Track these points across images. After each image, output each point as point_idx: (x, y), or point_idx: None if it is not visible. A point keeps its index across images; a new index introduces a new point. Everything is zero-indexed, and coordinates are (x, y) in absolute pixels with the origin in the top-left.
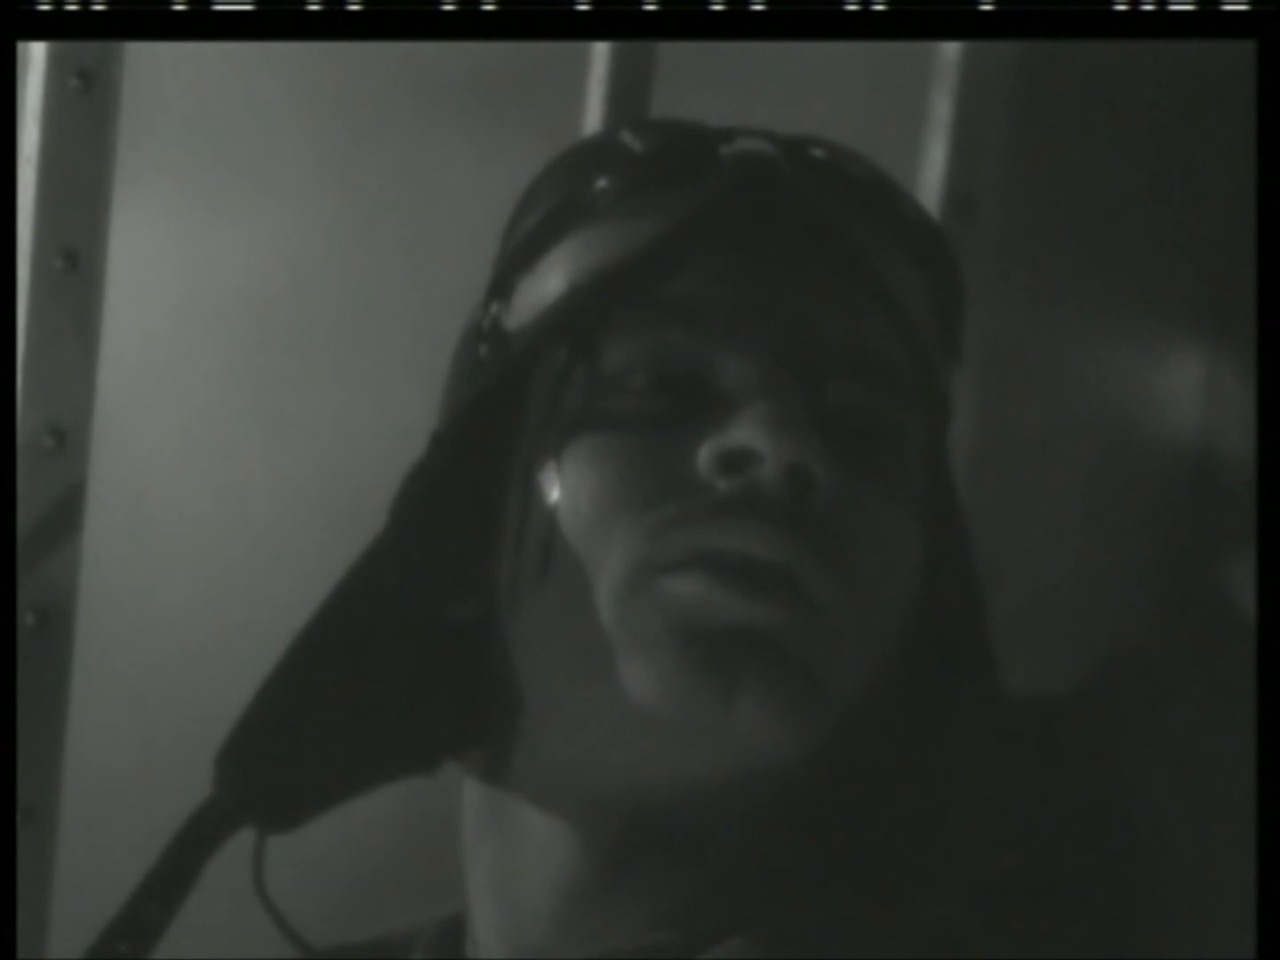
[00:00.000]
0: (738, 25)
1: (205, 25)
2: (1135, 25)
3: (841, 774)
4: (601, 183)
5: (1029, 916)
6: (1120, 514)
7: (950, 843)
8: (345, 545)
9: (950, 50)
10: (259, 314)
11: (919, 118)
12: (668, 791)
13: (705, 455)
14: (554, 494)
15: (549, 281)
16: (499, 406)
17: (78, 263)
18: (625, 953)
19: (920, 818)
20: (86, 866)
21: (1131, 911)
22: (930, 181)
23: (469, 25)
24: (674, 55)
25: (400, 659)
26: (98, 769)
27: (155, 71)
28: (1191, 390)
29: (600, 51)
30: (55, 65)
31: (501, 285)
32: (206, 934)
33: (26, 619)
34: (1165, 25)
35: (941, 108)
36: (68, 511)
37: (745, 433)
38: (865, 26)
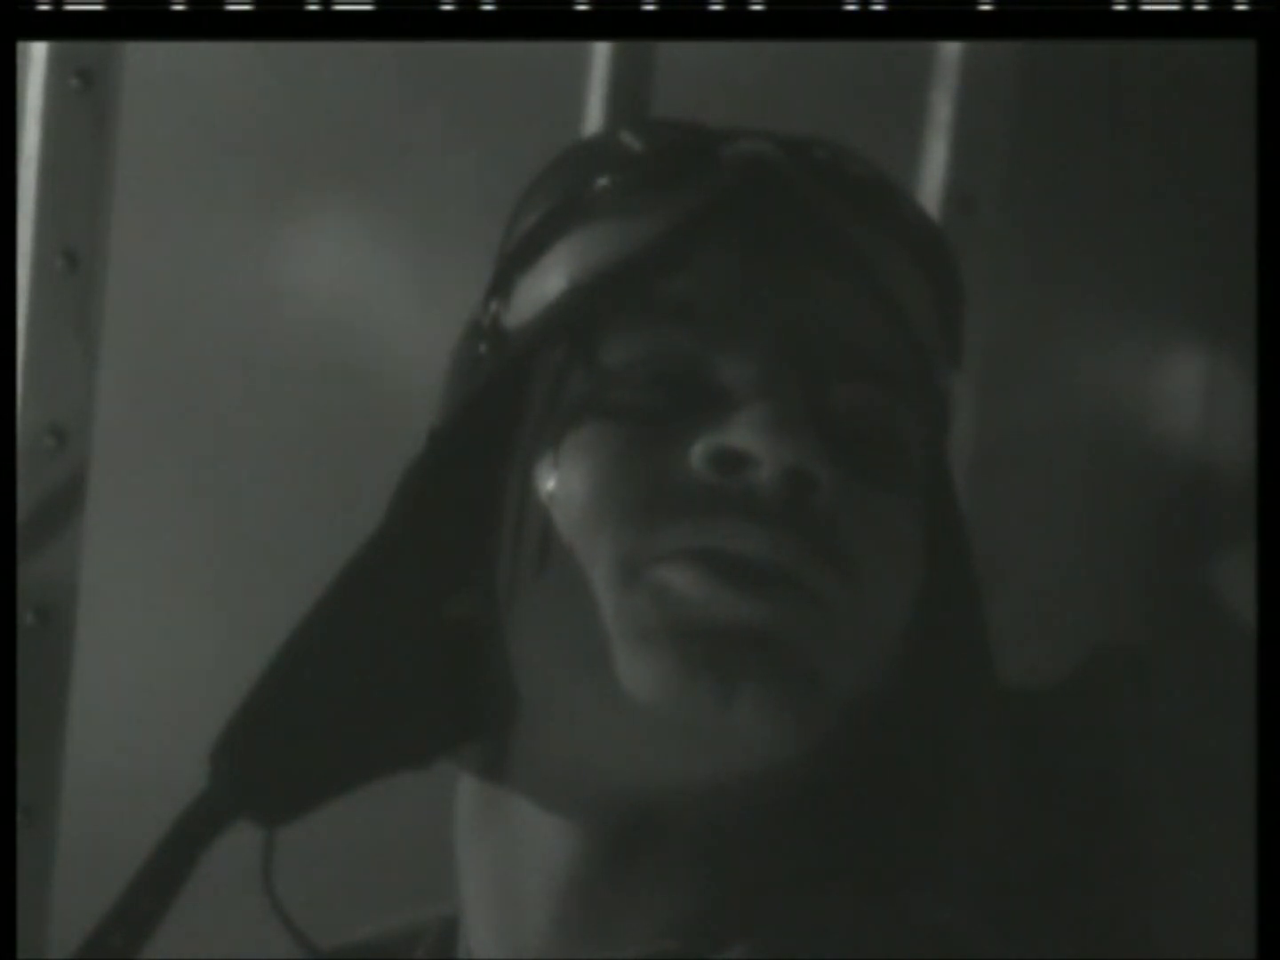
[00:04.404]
0: (738, 25)
1: (205, 25)
2: (1135, 25)
3: (841, 774)
4: (602, 182)
5: (1028, 913)
6: (1119, 513)
7: (950, 840)
8: (344, 542)
9: (950, 50)
10: (259, 313)
11: (919, 118)
12: (668, 791)
13: (700, 452)
14: (551, 488)
15: (549, 280)
16: (498, 403)
17: (78, 263)
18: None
19: (920, 816)
20: (86, 866)
21: (1129, 907)
22: (930, 181)
23: (469, 25)
24: (674, 55)
25: (397, 654)
26: (98, 769)
27: (155, 71)
28: (1191, 390)
29: (600, 51)
30: (55, 65)
31: (501, 283)
32: (206, 932)
33: (26, 619)
34: (1165, 25)
35: (941, 108)
36: (68, 511)
37: (742, 434)
38: (865, 26)
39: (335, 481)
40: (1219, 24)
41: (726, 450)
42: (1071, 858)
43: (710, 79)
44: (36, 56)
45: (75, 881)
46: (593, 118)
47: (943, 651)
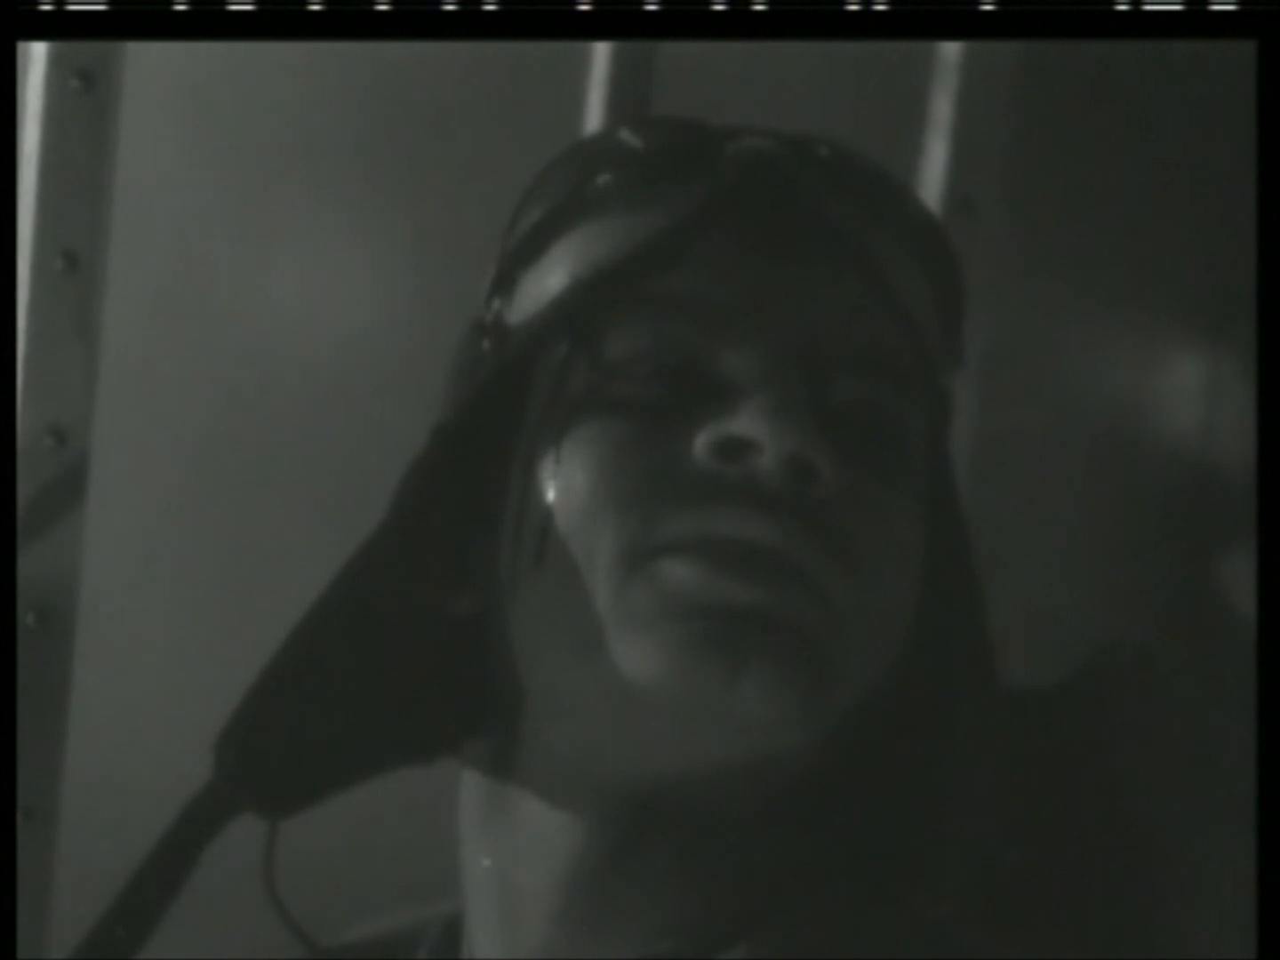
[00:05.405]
0: (738, 25)
1: (205, 25)
2: (1135, 25)
3: (842, 772)
4: (604, 179)
5: (1029, 912)
6: (1120, 513)
7: (951, 839)
8: (345, 540)
9: (950, 50)
10: (259, 313)
11: (919, 118)
12: (673, 781)
13: (703, 442)
14: (553, 480)
15: (551, 276)
16: (501, 400)
17: (78, 263)
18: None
19: (921, 815)
20: (86, 866)
21: (1129, 906)
22: (930, 182)
23: (469, 25)
24: (674, 55)
25: (399, 649)
26: (98, 769)
27: (155, 71)
28: (1192, 390)
29: (600, 51)
30: (55, 65)
31: (504, 281)
32: (207, 930)
33: (26, 619)
34: (1165, 25)
35: (941, 108)
36: (68, 511)
37: (745, 422)
38: (865, 26)
39: (336, 479)
40: (1219, 24)
41: (729, 438)
42: (1072, 856)
43: (710, 79)
44: (36, 56)
45: (75, 883)
46: (593, 118)
47: (944, 650)
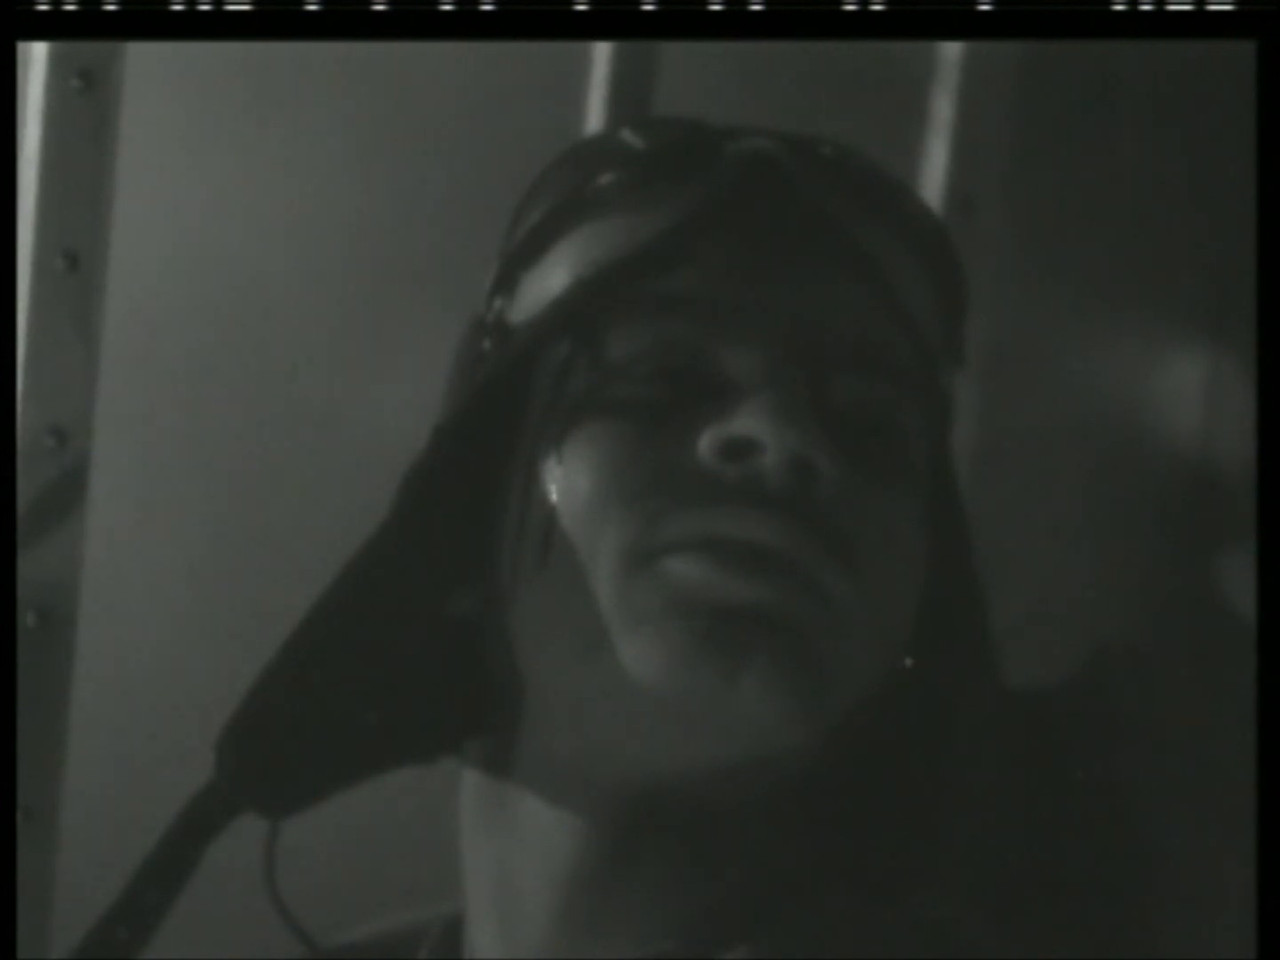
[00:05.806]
0: (738, 25)
1: (205, 25)
2: (1135, 25)
3: (845, 769)
4: (606, 178)
5: (1030, 912)
6: (1121, 513)
7: (952, 838)
8: (346, 540)
9: (950, 50)
10: (260, 313)
11: (919, 118)
12: (673, 780)
13: (706, 442)
14: (555, 481)
15: (553, 276)
16: (502, 399)
17: (78, 263)
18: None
19: (922, 814)
20: (86, 866)
21: (1130, 905)
22: (930, 181)
23: (469, 25)
24: (674, 55)
25: (400, 649)
26: (98, 769)
27: (155, 71)
28: (1191, 390)
29: (600, 51)
30: (55, 65)
31: (505, 280)
32: (209, 929)
33: (26, 619)
34: (1165, 25)
35: (941, 108)
36: (68, 511)
37: (748, 422)
38: (865, 26)
39: (337, 479)
40: (1219, 24)
41: (732, 439)
42: (1073, 856)
43: (710, 79)
44: (37, 56)
45: (75, 882)
46: (593, 118)
47: (945, 650)
